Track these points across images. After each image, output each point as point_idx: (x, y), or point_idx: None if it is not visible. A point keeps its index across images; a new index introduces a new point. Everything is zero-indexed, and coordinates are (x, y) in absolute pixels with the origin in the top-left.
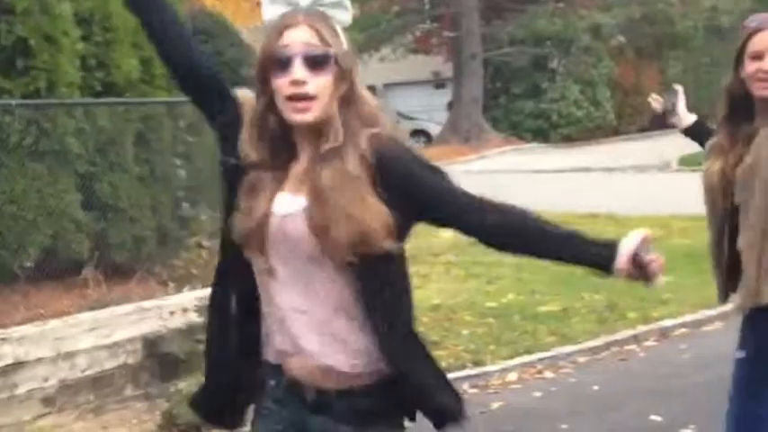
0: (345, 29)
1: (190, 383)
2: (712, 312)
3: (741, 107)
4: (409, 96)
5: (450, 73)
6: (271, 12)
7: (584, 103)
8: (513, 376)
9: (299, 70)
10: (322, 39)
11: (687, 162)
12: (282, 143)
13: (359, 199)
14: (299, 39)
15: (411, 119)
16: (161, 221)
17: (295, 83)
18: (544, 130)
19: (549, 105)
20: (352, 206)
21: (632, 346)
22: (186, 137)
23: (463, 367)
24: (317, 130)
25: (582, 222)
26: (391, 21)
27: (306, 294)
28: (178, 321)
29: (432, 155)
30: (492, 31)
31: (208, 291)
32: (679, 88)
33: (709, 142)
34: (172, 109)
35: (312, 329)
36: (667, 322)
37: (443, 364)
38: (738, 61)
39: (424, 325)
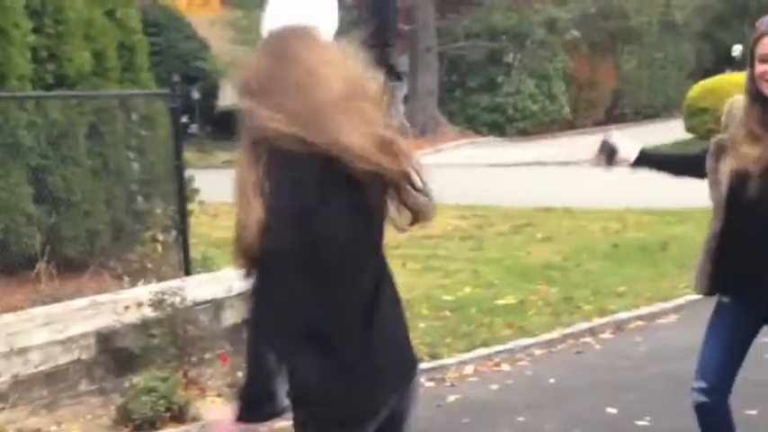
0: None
1: (145, 378)
2: (667, 305)
3: (760, 100)
4: None
5: (406, 66)
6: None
7: (540, 96)
8: (469, 369)
9: None
10: None
11: None
12: None
13: None
14: None
15: None
16: (115, 215)
17: None
18: (500, 124)
19: (504, 99)
20: None
21: (588, 339)
22: (139, 130)
23: (420, 360)
24: None
25: (537, 215)
26: (346, 13)
27: None
28: (132, 316)
29: None
30: (447, 24)
31: (163, 285)
32: (612, 132)
33: (730, 132)
34: (124, 102)
35: None
36: (623, 315)
37: None
38: (751, 60)
39: None
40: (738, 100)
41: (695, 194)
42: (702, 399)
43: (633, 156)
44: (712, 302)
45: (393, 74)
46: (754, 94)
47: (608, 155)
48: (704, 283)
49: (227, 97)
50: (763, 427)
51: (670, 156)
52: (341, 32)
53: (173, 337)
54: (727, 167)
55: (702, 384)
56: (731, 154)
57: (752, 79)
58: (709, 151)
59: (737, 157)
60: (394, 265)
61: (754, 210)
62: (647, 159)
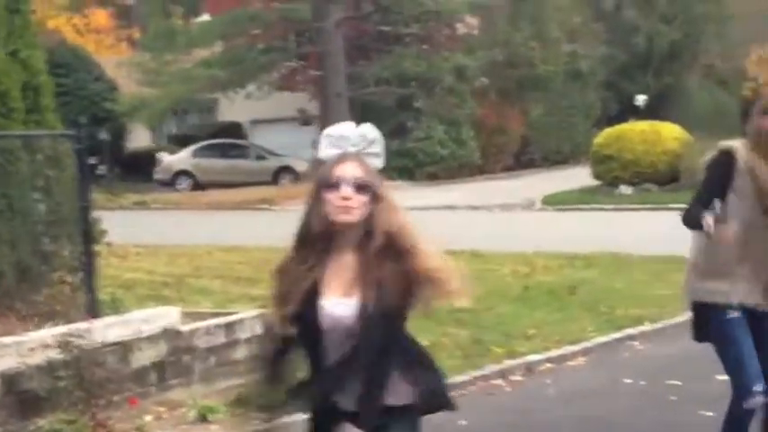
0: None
1: (50, 421)
2: (576, 348)
3: None
4: (275, 133)
5: (317, 111)
6: (326, 153)
7: (449, 142)
8: None
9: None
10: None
11: (550, 201)
12: None
13: None
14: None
15: (277, 155)
16: (20, 256)
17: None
18: (410, 169)
19: (414, 144)
20: None
21: (499, 381)
22: (45, 171)
23: None
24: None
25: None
26: (257, 58)
27: None
28: (38, 358)
29: (299, 192)
30: (358, 70)
31: (70, 326)
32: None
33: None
34: (29, 142)
35: None
36: (533, 357)
37: None
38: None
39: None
40: (734, 149)
41: (602, 240)
42: (765, 399)
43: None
44: (618, 346)
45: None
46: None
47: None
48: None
49: (136, 139)
50: None
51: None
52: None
53: (79, 379)
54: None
55: (761, 387)
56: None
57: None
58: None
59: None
60: None
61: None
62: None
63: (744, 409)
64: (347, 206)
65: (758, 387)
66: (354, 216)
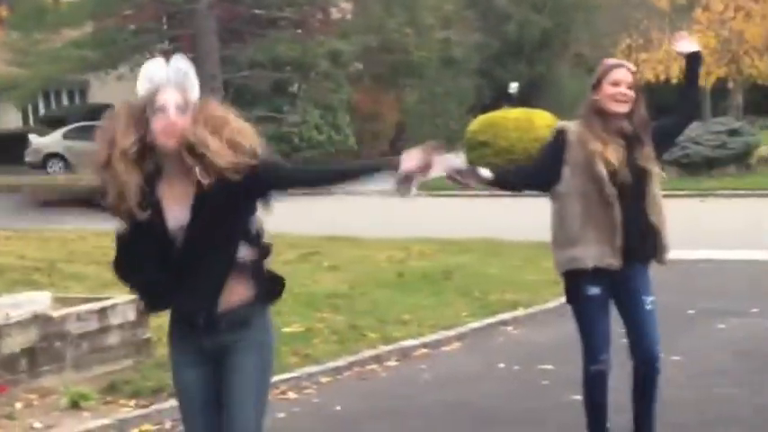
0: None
1: None
2: (451, 333)
3: (601, 116)
4: None
5: None
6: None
7: (325, 127)
8: None
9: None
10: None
11: (425, 187)
12: None
13: None
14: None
15: None
16: None
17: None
18: (287, 154)
19: (290, 129)
20: None
21: (374, 366)
22: None
23: None
24: None
25: (324, 244)
26: (128, 39)
27: None
28: None
29: None
30: (231, 53)
31: None
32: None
33: (579, 132)
34: None
35: None
36: (408, 342)
37: None
38: (598, 86)
39: (166, 346)
40: (566, 127)
41: (476, 226)
42: (604, 368)
43: (486, 175)
44: (493, 331)
45: None
46: (597, 111)
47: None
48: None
49: (5, 120)
50: None
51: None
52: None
53: None
54: (598, 171)
55: (605, 356)
56: (595, 161)
57: (595, 104)
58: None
59: (603, 160)
60: None
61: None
62: (504, 178)
63: (592, 372)
64: (174, 125)
65: (603, 356)
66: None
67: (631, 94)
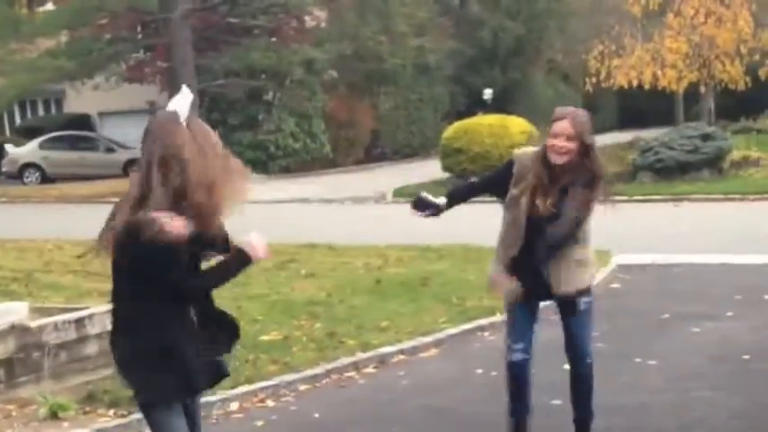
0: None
1: None
2: (428, 339)
3: (547, 165)
4: (125, 125)
5: (167, 102)
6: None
7: (301, 135)
8: (234, 406)
9: None
10: None
11: (401, 194)
12: None
13: None
14: None
15: (127, 148)
16: None
17: None
18: (263, 162)
19: (266, 137)
20: None
21: (352, 374)
22: None
23: None
24: None
25: (301, 252)
26: (103, 49)
27: None
28: None
29: None
30: (207, 62)
31: None
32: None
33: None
34: None
35: None
36: (386, 349)
37: None
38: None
39: None
40: (524, 153)
41: (453, 232)
42: (522, 356)
43: (443, 204)
44: (470, 337)
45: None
46: (543, 160)
47: (425, 208)
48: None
49: None
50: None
51: (461, 188)
52: None
53: None
54: (525, 205)
55: (520, 346)
56: (527, 198)
57: (544, 149)
58: (512, 181)
59: (533, 203)
60: None
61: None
62: (457, 197)
63: (509, 362)
64: None
65: (517, 345)
66: None
67: (569, 146)
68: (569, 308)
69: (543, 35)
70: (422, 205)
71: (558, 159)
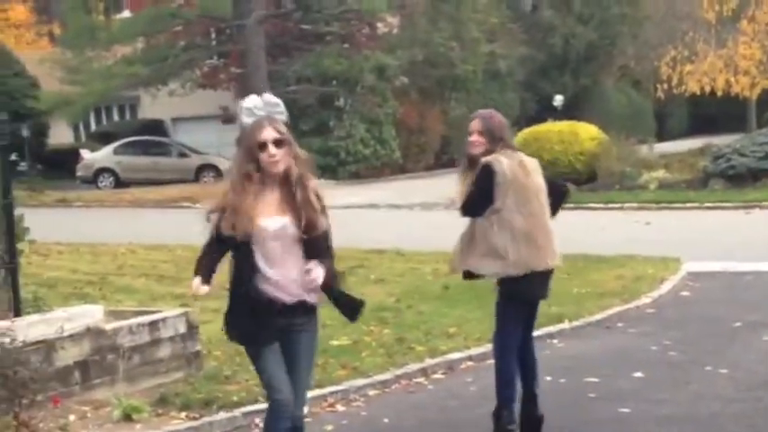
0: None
1: None
2: None
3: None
4: (198, 131)
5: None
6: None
7: (371, 141)
8: (304, 410)
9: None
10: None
11: None
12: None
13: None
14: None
15: (199, 153)
16: None
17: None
18: (332, 167)
19: (336, 143)
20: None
21: (421, 379)
22: None
23: (255, 401)
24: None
25: (370, 257)
26: (178, 55)
27: None
28: None
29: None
30: (279, 68)
31: None
32: None
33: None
34: None
35: None
36: (454, 355)
37: (235, 399)
38: None
39: (216, 359)
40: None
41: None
42: None
43: None
44: (538, 344)
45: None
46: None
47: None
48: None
49: (58, 136)
50: None
51: None
52: None
53: (2, 378)
54: None
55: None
56: None
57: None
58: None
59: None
60: (222, 306)
61: None
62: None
63: None
64: (275, 161)
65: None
66: (280, 167)
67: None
68: None
69: (615, 41)
70: None
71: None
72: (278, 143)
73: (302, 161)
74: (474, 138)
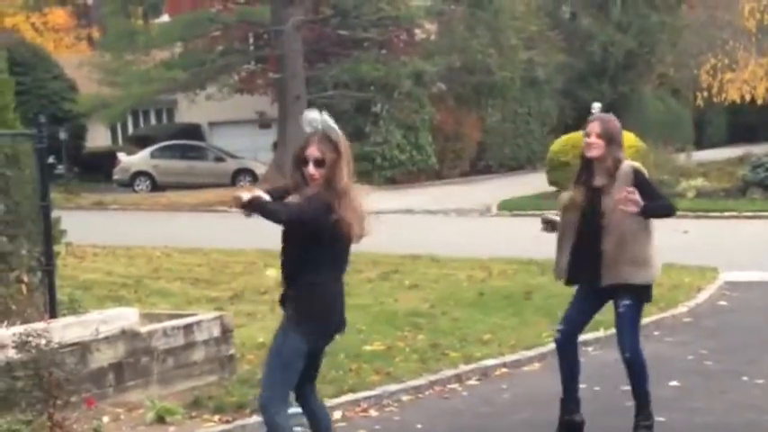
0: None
1: (8, 421)
2: (531, 353)
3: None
4: (235, 135)
5: (276, 113)
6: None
7: (407, 147)
8: (338, 414)
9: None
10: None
11: (506, 207)
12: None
13: None
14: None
15: (236, 157)
16: None
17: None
18: (368, 172)
19: (372, 148)
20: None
21: (455, 386)
22: (4, 170)
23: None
24: None
25: (404, 263)
26: (216, 60)
27: None
28: None
29: None
30: (316, 73)
31: (27, 326)
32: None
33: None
34: None
35: None
36: (488, 362)
37: None
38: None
39: (250, 363)
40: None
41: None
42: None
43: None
44: None
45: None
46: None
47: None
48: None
49: (96, 139)
50: None
51: None
52: None
53: (37, 379)
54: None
55: (560, 327)
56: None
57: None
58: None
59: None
60: (262, 310)
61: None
62: None
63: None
64: (314, 176)
65: (559, 327)
66: (317, 182)
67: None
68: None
69: (654, 49)
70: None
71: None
72: (318, 163)
73: (333, 190)
74: (593, 140)
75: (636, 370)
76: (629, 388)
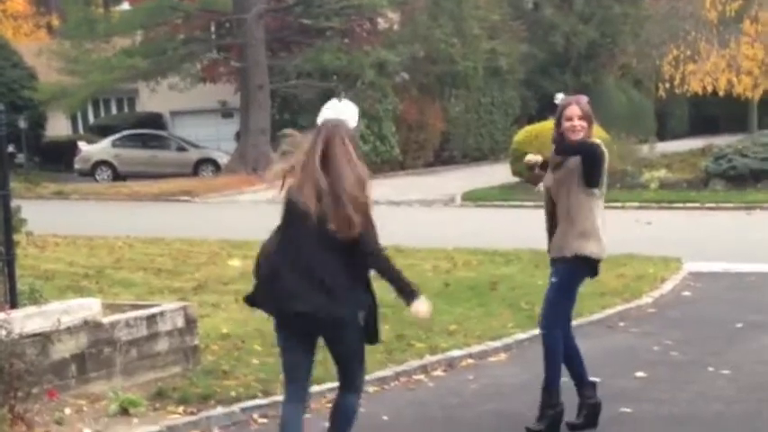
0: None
1: None
2: (497, 344)
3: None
4: (197, 125)
5: (238, 103)
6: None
7: (370, 137)
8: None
9: None
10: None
11: (470, 197)
12: None
13: None
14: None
15: (198, 147)
16: None
17: None
18: None
19: None
20: None
21: (420, 377)
22: None
23: (254, 397)
24: None
25: None
26: (177, 48)
27: None
28: None
29: (220, 184)
30: (279, 63)
31: None
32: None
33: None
34: None
35: None
36: (454, 353)
37: (233, 394)
38: (558, 124)
39: (214, 353)
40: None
41: (522, 237)
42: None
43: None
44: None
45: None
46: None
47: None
48: None
49: (56, 128)
50: None
51: None
52: None
53: None
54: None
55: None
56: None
57: (560, 135)
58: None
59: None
60: (226, 300)
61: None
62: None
63: None
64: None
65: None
66: None
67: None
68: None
69: (617, 40)
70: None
71: (574, 135)
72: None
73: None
74: (576, 122)
75: (543, 349)
76: (595, 379)
